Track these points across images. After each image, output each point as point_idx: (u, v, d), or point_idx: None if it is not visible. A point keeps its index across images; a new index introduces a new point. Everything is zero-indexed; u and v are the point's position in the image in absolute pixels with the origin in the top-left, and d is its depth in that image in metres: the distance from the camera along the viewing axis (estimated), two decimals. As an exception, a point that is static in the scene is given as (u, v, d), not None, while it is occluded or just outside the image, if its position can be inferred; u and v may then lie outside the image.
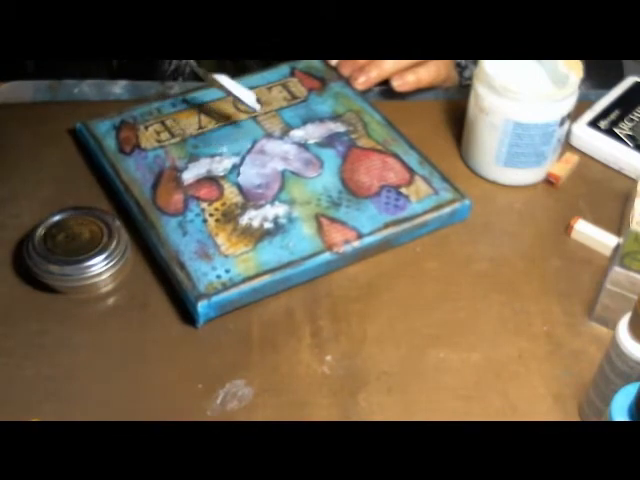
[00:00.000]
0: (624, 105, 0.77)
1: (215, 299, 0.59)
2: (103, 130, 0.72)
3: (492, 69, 0.67)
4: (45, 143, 0.74)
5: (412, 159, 0.70)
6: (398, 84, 0.77)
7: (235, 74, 0.77)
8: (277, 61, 0.80)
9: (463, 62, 0.85)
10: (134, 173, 0.68)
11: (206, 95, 0.75)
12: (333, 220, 0.65)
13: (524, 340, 0.60)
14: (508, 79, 0.66)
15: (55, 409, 0.55)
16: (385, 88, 0.79)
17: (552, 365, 0.58)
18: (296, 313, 0.61)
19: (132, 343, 0.59)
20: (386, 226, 0.64)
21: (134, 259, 0.64)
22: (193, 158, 0.69)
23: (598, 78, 0.82)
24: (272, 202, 0.66)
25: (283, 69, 0.79)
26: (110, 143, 0.71)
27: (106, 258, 0.62)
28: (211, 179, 0.68)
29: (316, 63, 0.80)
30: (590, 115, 0.76)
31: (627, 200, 0.69)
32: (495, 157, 0.70)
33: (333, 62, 0.80)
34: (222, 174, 0.68)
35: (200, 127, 0.72)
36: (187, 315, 0.60)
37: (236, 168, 0.69)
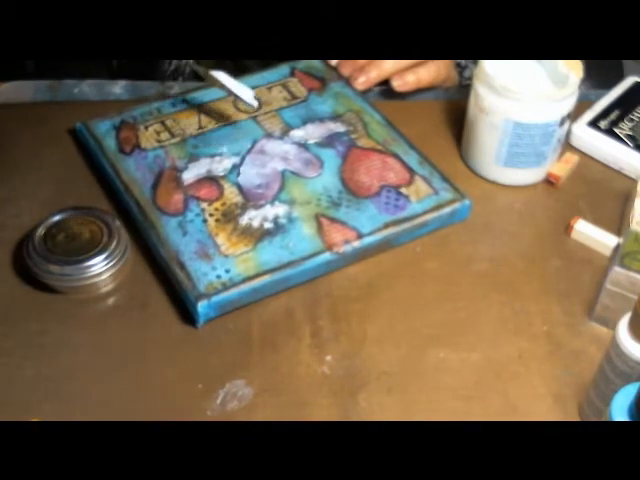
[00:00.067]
0: (624, 105, 0.77)
1: (215, 299, 0.59)
2: (103, 130, 0.72)
3: (492, 69, 0.67)
4: (45, 143, 0.74)
5: (412, 159, 0.70)
6: (398, 84, 0.77)
7: (235, 74, 0.77)
8: (277, 61, 0.80)
9: (463, 62, 0.85)
10: (134, 173, 0.68)
11: (206, 95, 0.75)
12: (333, 220, 0.65)
13: (524, 340, 0.60)
14: (508, 79, 0.66)
15: (55, 409, 0.55)
16: (385, 88, 0.79)
17: (552, 365, 0.58)
18: (296, 313, 0.61)
19: (132, 343, 0.59)
20: (386, 226, 0.64)
21: (134, 259, 0.64)
22: (193, 158, 0.69)
23: (598, 78, 0.82)
24: (272, 202, 0.66)
25: (283, 69, 0.79)
26: (110, 143, 0.71)
27: (106, 258, 0.62)
28: (211, 179, 0.68)
29: (316, 63, 0.80)
30: (590, 115, 0.76)
31: (627, 200, 0.69)
32: (495, 157, 0.70)
33: (333, 62, 0.80)
34: (222, 174, 0.68)
35: (200, 127, 0.72)
36: (187, 315, 0.60)
37: (236, 168, 0.69)
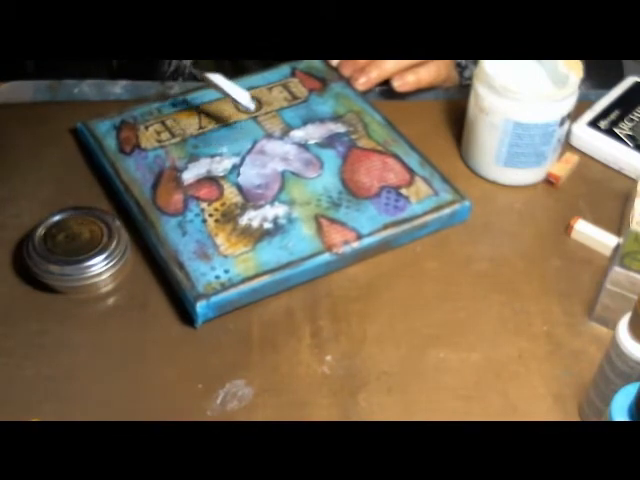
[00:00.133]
0: (624, 105, 0.77)
1: (214, 299, 0.59)
2: (103, 130, 0.72)
3: (492, 69, 0.67)
4: (45, 143, 0.74)
5: (412, 160, 0.70)
6: (398, 84, 0.77)
7: (234, 74, 0.77)
8: (277, 61, 0.80)
9: (463, 62, 0.85)
10: (134, 173, 0.68)
11: (206, 95, 0.75)
12: (333, 221, 0.65)
13: (524, 340, 0.60)
14: (508, 79, 0.66)
15: (55, 409, 0.55)
16: (385, 88, 0.79)
17: (552, 365, 0.58)
18: (296, 313, 0.61)
19: (132, 343, 0.59)
20: (385, 227, 0.64)
21: (134, 259, 0.64)
22: (193, 158, 0.69)
23: (598, 78, 0.82)
24: (272, 202, 0.66)
25: (284, 69, 0.79)
26: (110, 143, 0.71)
27: (106, 258, 0.62)
28: (211, 179, 0.68)
29: (317, 63, 0.80)
30: (590, 115, 0.76)
31: (627, 200, 0.69)
32: (495, 157, 0.70)
33: (334, 62, 0.80)
34: (222, 174, 0.68)
35: (200, 127, 0.72)
36: (187, 315, 0.60)
37: (236, 168, 0.69)
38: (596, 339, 0.60)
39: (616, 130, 0.74)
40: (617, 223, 0.68)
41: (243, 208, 0.65)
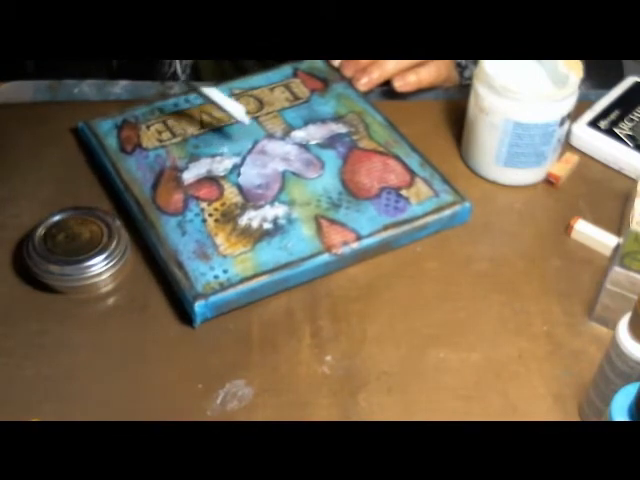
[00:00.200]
0: (624, 105, 0.77)
1: (212, 299, 0.59)
2: (105, 129, 0.72)
3: (492, 69, 0.67)
4: (45, 143, 0.74)
5: (413, 161, 0.70)
6: (399, 84, 0.77)
7: (234, 75, 0.77)
8: (277, 61, 0.80)
9: (463, 62, 0.85)
10: (135, 172, 0.68)
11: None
12: (332, 221, 0.64)
13: (524, 340, 0.60)
14: (508, 79, 0.66)
15: (55, 409, 0.55)
16: (386, 89, 0.79)
17: (552, 365, 0.58)
18: (296, 313, 0.61)
19: (132, 343, 0.59)
20: (385, 228, 0.64)
21: (134, 259, 0.64)
22: (194, 158, 0.69)
23: (598, 78, 0.82)
24: (272, 203, 0.66)
25: (286, 70, 0.79)
26: (111, 142, 0.71)
27: (106, 258, 0.62)
28: (211, 179, 0.68)
29: (319, 64, 0.80)
30: (590, 115, 0.76)
31: (627, 200, 0.69)
32: (495, 157, 0.70)
33: (336, 63, 0.80)
34: (222, 174, 0.68)
35: (201, 127, 0.72)
36: (187, 315, 0.60)
37: (237, 168, 0.69)
38: (596, 339, 0.60)
39: (616, 130, 0.74)
40: (617, 223, 0.68)
41: (243, 208, 0.65)
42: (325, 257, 0.62)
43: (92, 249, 0.62)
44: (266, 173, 0.68)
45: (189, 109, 0.74)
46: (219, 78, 0.80)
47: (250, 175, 0.68)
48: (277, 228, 0.64)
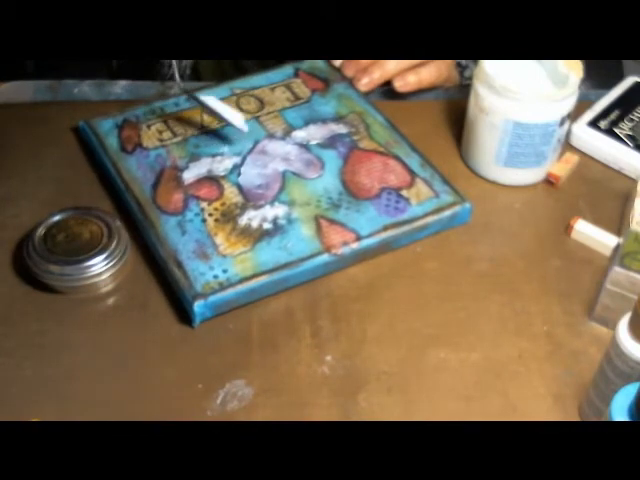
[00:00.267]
0: (624, 105, 0.77)
1: (212, 299, 0.59)
2: (106, 128, 0.72)
3: (492, 69, 0.67)
4: (45, 143, 0.74)
5: (413, 161, 0.70)
6: (400, 85, 0.77)
7: (234, 75, 0.77)
8: (278, 61, 0.80)
9: (464, 62, 0.85)
10: (135, 172, 0.68)
11: (208, 95, 0.75)
12: (332, 222, 0.64)
13: (524, 340, 0.60)
14: (508, 79, 0.66)
15: (55, 409, 0.55)
16: (386, 89, 0.79)
17: (552, 365, 0.58)
18: (296, 313, 0.61)
19: (132, 343, 0.59)
20: (385, 228, 0.64)
21: (134, 259, 0.64)
22: (194, 157, 0.69)
23: (598, 78, 0.82)
24: (272, 203, 0.66)
25: (287, 70, 0.79)
26: (112, 141, 0.71)
27: (106, 258, 0.62)
28: (211, 179, 0.68)
29: (320, 64, 0.80)
30: (590, 115, 0.76)
31: (627, 200, 0.69)
32: (495, 157, 0.70)
33: (337, 63, 0.80)
34: (223, 174, 0.68)
35: (202, 126, 0.72)
36: (187, 315, 0.60)
37: (237, 168, 0.69)
38: (596, 339, 0.60)
39: (616, 130, 0.74)
40: (617, 223, 0.68)
41: (243, 208, 0.65)
42: (325, 257, 0.62)
43: (92, 249, 0.62)
44: (266, 173, 0.68)
45: (190, 109, 0.74)
46: (219, 78, 0.80)
47: (250, 175, 0.68)
48: (277, 228, 0.64)
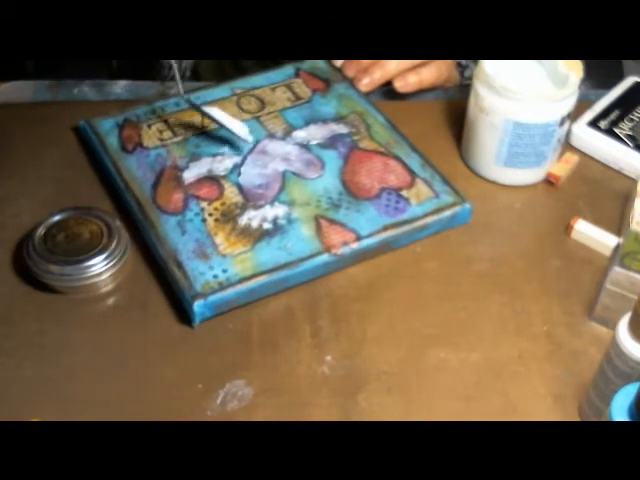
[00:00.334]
0: (624, 105, 0.77)
1: (211, 299, 0.59)
2: (106, 128, 0.72)
3: (492, 69, 0.67)
4: (45, 143, 0.74)
5: (414, 162, 0.70)
6: (400, 85, 0.77)
7: (234, 75, 0.77)
8: (279, 61, 0.80)
9: (464, 62, 0.85)
10: (135, 171, 0.68)
11: (209, 95, 0.75)
12: (332, 222, 0.64)
13: (524, 340, 0.60)
14: (508, 79, 0.66)
15: (55, 409, 0.55)
16: (387, 89, 0.79)
17: (552, 365, 0.58)
18: (296, 313, 0.61)
19: (132, 343, 0.59)
20: (385, 228, 0.64)
21: (134, 259, 0.64)
22: (194, 157, 0.69)
23: (598, 78, 0.82)
24: (272, 203, 0.66)
25: (288, 70, 0.79)
26: (113, 141, 0.71)
27: (106, 258, 0.62)
28: (212, 178, 0.68)
29: (321, 64, 0.80)
30: (590, 115, 0.76)
31: (627, 200, 0.69)
32: (495, 157, 0.70)
33: (338, 63, 0.80)
34: (223, 174, 0.68)
35: (202, 126, 0.72)
36: (187, 315, 0.60)
37: (237, 168, 0.69)
38: (596, 339, 0.60)
39: (616, 130, 0.74)
40: (617, 223, 0.68)
41: (243, 208, 0.65)
42: (325, 257, 0.62)
43: (92, 249, 0.62)
44: (266, 173, 0.68)
45: (190, 108, 0.74)
46: (219, 78, 0.80)
47: (250, 175, 0.68)
48: (277, 228, 0.64)
